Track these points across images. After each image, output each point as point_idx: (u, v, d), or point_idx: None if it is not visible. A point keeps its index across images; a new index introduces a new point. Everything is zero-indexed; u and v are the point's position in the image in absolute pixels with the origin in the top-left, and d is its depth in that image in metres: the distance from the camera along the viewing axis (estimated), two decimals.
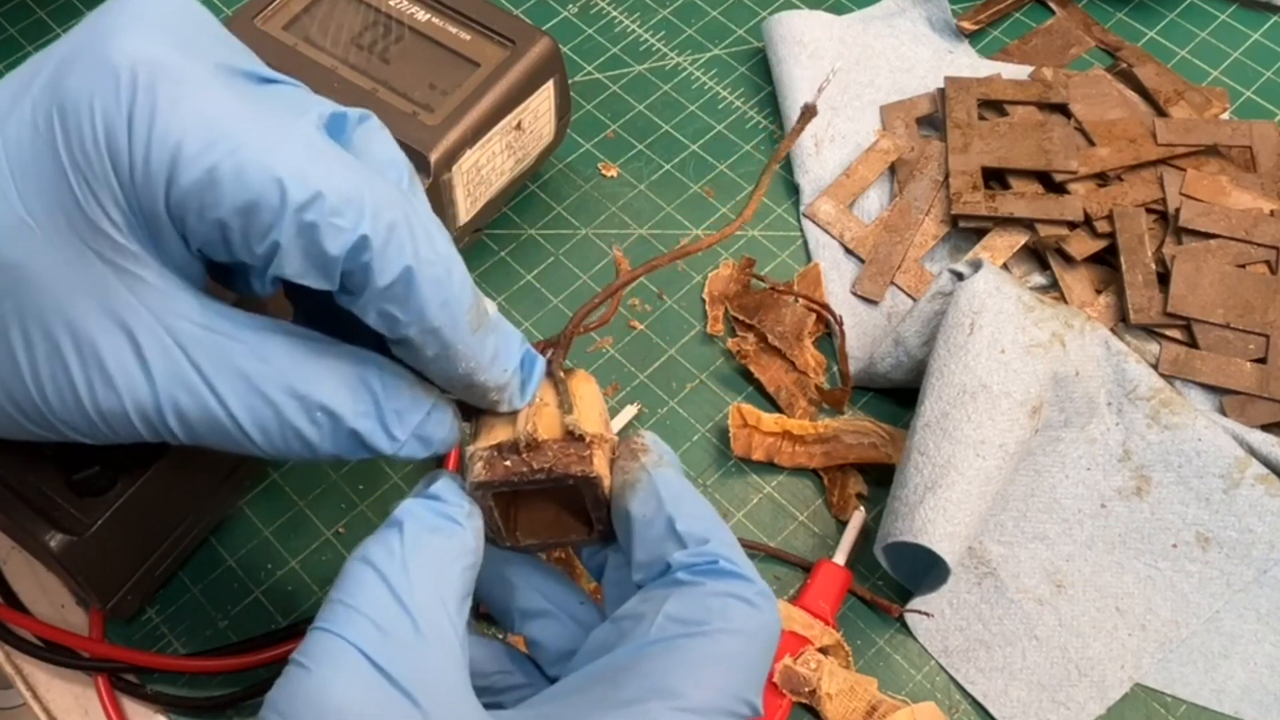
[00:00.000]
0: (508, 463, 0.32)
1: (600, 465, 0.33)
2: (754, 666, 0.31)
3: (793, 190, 0.57)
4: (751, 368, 0.51)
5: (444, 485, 0.32)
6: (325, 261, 0.29)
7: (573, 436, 0.33)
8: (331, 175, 0.28)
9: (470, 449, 0.33)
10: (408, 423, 0.32)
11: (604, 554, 0.35)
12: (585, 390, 0.35)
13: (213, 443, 0.31)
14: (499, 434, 0.33)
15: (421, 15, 0.50)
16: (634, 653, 0.30)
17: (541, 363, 0.35)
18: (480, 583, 0.33)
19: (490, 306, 0.33)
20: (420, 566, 0.30)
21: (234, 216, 0.28)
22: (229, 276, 0.34)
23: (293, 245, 0.28)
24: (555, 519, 0.35)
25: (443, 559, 0.31)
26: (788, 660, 0.43)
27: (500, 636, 0.43)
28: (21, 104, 0.29)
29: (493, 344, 0.32)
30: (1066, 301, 0.51)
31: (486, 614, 0.44)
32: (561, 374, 0.35)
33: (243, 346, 0.30)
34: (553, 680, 0.34)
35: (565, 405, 0.33)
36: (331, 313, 0.33)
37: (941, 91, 0.58)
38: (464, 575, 0.31)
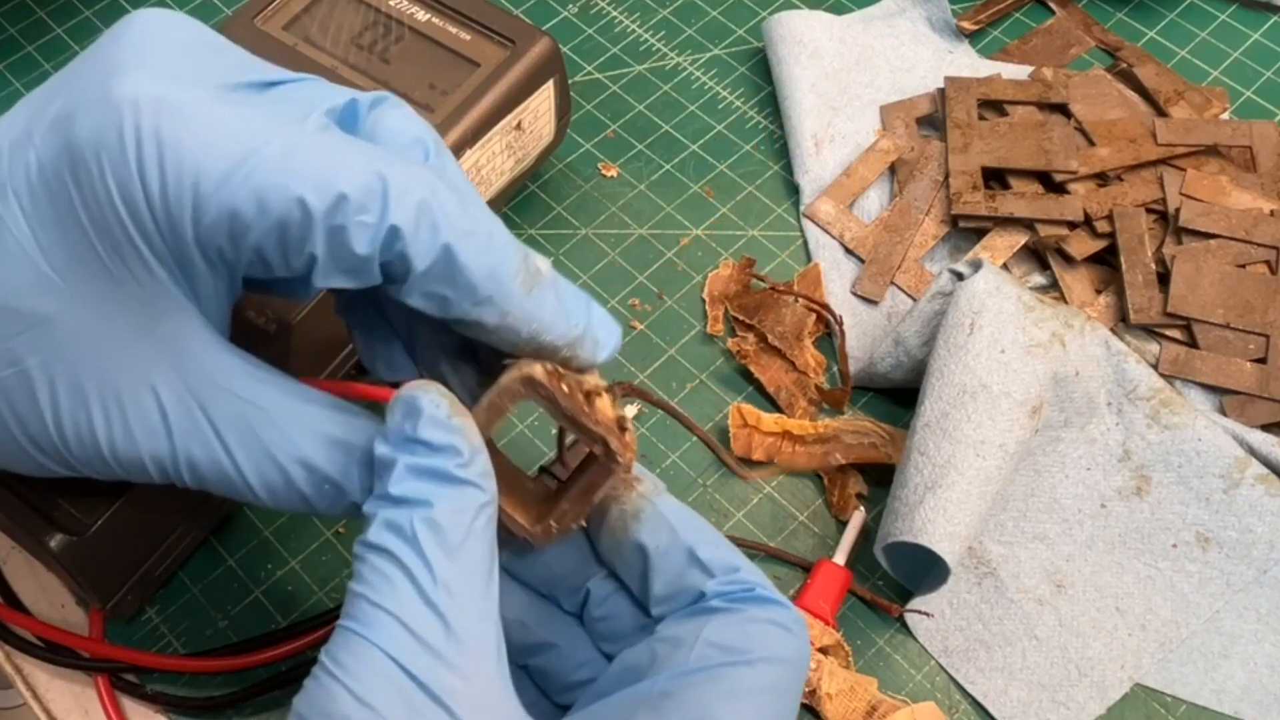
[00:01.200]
0: (566, 388, 0.31)
1: (629, 471, 0.32)
2: (793, 695, 0.30)
3: (793, 190, 0.57)
4: (751, 368, 0.51)
5: (432, 423, 0.29)
6: (360, 262, 0.28)
7: (621, 427, 0.31)
8: (349, 172, 0.28)
9: (524, 361, 0.31)
10: (390, 427, 0.30)
11: (585, 590, 0.33)
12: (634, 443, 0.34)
13: (219, 490, 0.32)
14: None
15: (421, 15, 0.50)
16: (675, 680, 0.29)
17: (607, 317, 0.33)
18: None
19: (543, 263, 0.31)
20: (439, 551, 0.28)
21: (265, 240, 0.28)
22: (267, 289, 0.34)
23: (327, 253, 0.28)
24: (513, 488, 0.33)
25: (459, 529, 0.28)
26: None
27: None
28: (26, 155, 0.29)
29: (552, 300, 0.31)
30: (1066, 301, 0.51)
31: None
32: (616, 390, 0.33)
33: (261, 413, 0.31)
34: (559, 707, 0.34)
35: (618, 402, 0.32)
36: (376, 299, 0.33)
37: (941, 91, 0.58)
38: (487, 533, 0.29)
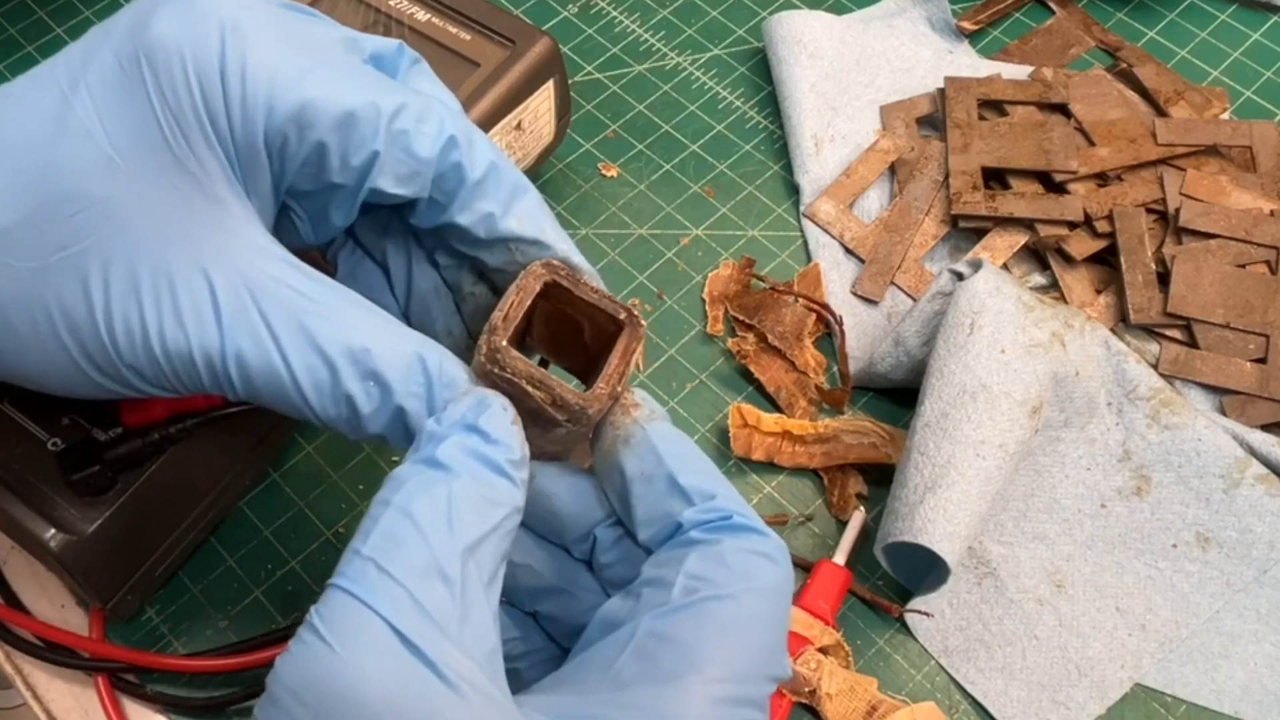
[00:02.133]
0: (580, 278, 0.33)
1: (638, 336, 0.33)
2: (780, 622, 0.30)
3: (793, 190, 0.57)
4: (751, 368, 0.51)
5: (496, 419, 0.29)
6: (419, 164, 0.31)
7: (630, 311, 0.33)
8: (406, 95, 0.31)
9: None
10: (450, 417, 0.29)
11: (592, 536, 0.33)
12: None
13: (267, 398, 0.31)
14: None
15: (421, 15, 0.50)
16: (661, 619, 0.28)
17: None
18: None
19: None
20: (468, 532, 0.27)
21: (332, 134, 0.30)
22: (289, 226, 0.34)
23: (389, 154, 0.31)
24: (566, 346, 0.34)
25: (491, 520, 0.28)
26: None
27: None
28: (102, 53, 0.30)
29: (563, 235, 0.34)
30: (1066, 301, 0.51)
31: None
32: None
33: (312, 304, 0.30)
34: (565, 649, 0.33)
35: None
36: (372, 270, 0.36)
37: (941, 91, 0.58)
38: (507, 539, 0.29)
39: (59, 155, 0.30)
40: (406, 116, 0.31)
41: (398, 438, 0.31)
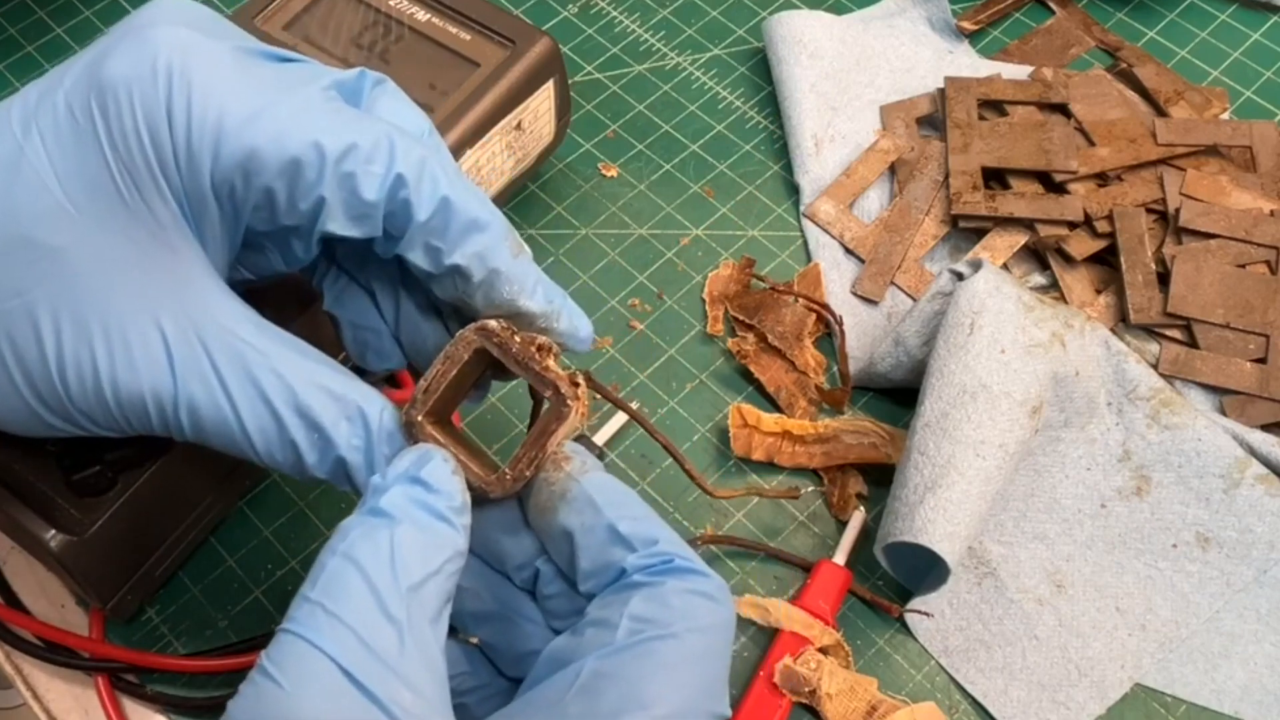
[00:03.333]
0: (519, 339, 0.32)
1: (578, 419, 0.32)
2: (721, 661, 0.30)
3: (793, 190, 0.57)
4: (751, 368, 0.51)
5: (438, 471, 0.30)
6: (367, 207, 0.31)
7: (573, 381, 0.32)
8: (358, 129, 0.31)
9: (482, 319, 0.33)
10: (395, 468, 0.31)
11: (534, 567, 0.34)
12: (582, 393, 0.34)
13: (214, 442, 0.32)
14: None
15: (421, 15, 0.50)
16: (605, 660, 0.29)
17: (580, 311, 0.35)
18: None
19: (527, 246, 0.34)
20: (410, 572, 0.28)
21: (278, 179, 0.30)
22: (260, 256, 0.35)
23: (336, 197, 0.30)
24: (471, 444, 0.34)
25: (432, 564, 0.29)
26: (787, 660, 0.43)
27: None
28: (54, 96, 0.30)
29: (534, 271, 0.33)
30: (1066, 301, 0.51)
31: None
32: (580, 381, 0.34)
33: (262, 357, 0.31)
34: (511, 680, 0.34)
35: (570, 372, 0.33)
36: (365, 285, 0.35)
37: (941, 91, 0.58)
38: (450, 580, 0.30)
39: (13, 201, 0.30)
40: (353, 158, 0.30)
41: (340, 482, 0.32)
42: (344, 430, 0.32)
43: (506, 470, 0.32)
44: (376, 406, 0.32)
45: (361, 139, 0.30)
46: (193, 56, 0.30)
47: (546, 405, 0.32)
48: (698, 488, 0.48)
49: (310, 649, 0.27)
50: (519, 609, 0.34)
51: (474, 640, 0.35)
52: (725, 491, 0.45)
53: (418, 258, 0.32)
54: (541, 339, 0.33)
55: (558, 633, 0.33)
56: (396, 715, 0.26)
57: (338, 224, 0.31)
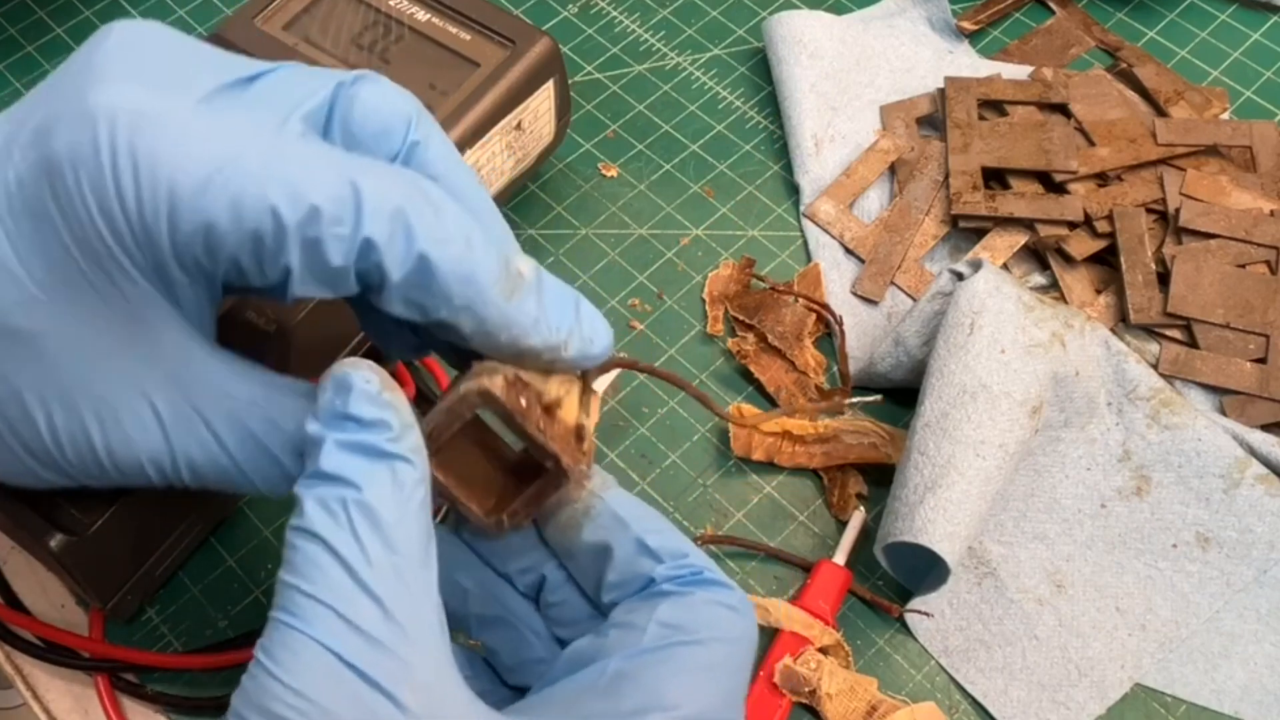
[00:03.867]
0: (523, 402, 0.31)
1: (582, 476, 0.32)
2: (743, 672, 0.31)
3: (793, 190, 0.57)
4: (751, 368, 0.51)
5: (363, 399, 0.28)
6: (335, 274, 0.28)
7: (579, 436, 0.32)
8: (322, 182, 0.28)
9: (489, 363, 0.31)
10: (321, 407, 0.29)
11: (539, 573, 0.34)
12: (594, 406, 0.34)
13: (218, 487, 0.32)
14: (525, 375, 0.32)
15: (421, 15, 0.50)
16: (630, 660, 0.30)
17: (598, 316, 0.33)
18: None
19: (528, 266, 0.31)
20: (372, 532, 0.27)
21: (240, 251, 0.28)
22: (252, 290, 0.34)
23: (301, 265, 0.28)
24: (475, 485, 0.33)
25: (393, 510, 0.28)
26: (787, 660, 0.43)
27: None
28: (5, 170, 0.28)
29: (533, 307, 0.30)
30: (1066, 301, 0.51)
31: None
32: (591, 390, 0.34)
33: (253, 408, 0.31)
34: (512, 689, 0.34)
35: (585, 407, 0.33)
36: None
37: (941, 91, 0.58)
38: (422, 513, 0.29)
39: None
40: (316, 224, 0.27)
41: None
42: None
43: (504, 518, 0.32)
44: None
45: (325, 198, 0.27)
46: (139, 123, 0.27)
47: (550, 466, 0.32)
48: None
49: (296, 634, 0.27)
50: (524, 619, 0.34)
51: (474, 643, 0.35)
52: (750, 413, 0.46)
53: (402, 312, 0.30)
54: (552, 393, 0.32)
55: (560, 641, 0.34)
56: (389, 690, 0.26)
57: (309, 288, 0.29)
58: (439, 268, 0.28)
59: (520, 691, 0.34)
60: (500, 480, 0.34)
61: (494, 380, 0.30)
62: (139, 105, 0.27)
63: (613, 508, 0.32)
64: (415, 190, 0.29)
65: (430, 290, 0.29)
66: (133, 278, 0.28)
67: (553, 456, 0.31)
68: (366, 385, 0.29)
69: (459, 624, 0.34)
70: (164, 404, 0.31)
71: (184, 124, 0.28)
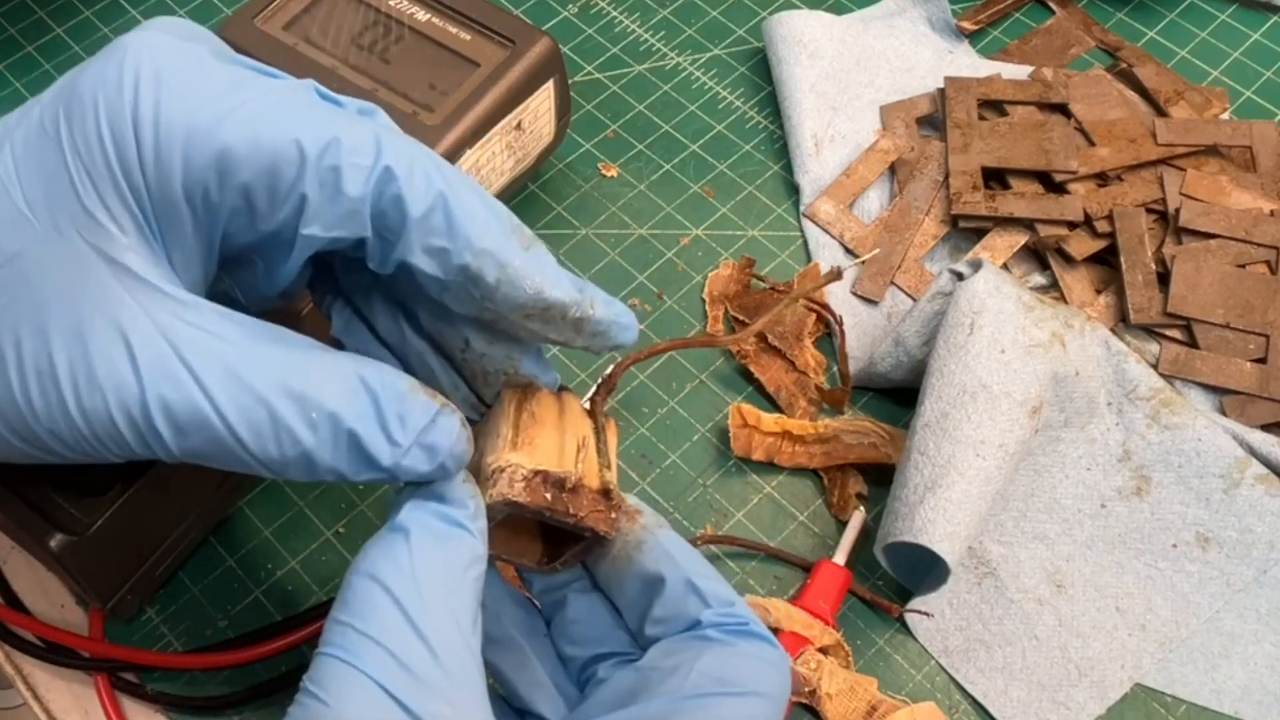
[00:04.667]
0: (548, 495, 0.32)
1: (622, 519, 0.34)
2: None
3: (793, 190, 0.57)
4: (751, 368, 0.51)
5: (451, 485, 0.31)
6: (352, 203, 0.29)
7: (606, 494, 0.33)
8: (341, 123, 0.29)
9: (502, 460, 0.32)
10: (411, 427, 0.29)
11: (564, 592, 0.35)
12: (613, 442, 0.35)
13: (204, 450, 0.29)
14: (538, 455, 0.32)
15: (421, 15, 0.50)
16: (671, 704, 0.30)
17: (618, 302, 0.33)
18: None
19: (536, 238, 0.31)
20: (432, 583, 0.29)
21: (255, 178, 0.28)
22: (246, 272, 0.33)
23: (319, 195, 0.28)
24: (524, 543, 0.35)
25: (454, 571, 0.29)
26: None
27: None
28: (31, 113, 0.30)
29: (550, 260, 0.31)
30: (1066, 301, 0.51)
31: None
32: (603, 419, 0.35)
33: (236, 346, 0.29)
34: (516, 711, 0.34)
35: (605, 460, 0.34)
36: (368, 312, 0.34)
37: (941, 91, 0.58)
38: (475, 586, 0.30)
39: None
40: (336, 151, 0.28)
41: (356, 467, 0.29)
42: (346, 399, 0.29)
43: (558, 564, 0.34)
44: (375, 370, 0.30)
45: (345, 133, 0.28)
46: (164, 58, 0.28)
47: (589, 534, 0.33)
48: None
49: (348, 669, 0.27)
50: (530, 639, 0.35)
51: None
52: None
53: (422, 262, 0.29)
54: (574, 479, 0.32)
55: (564, 660, 0.35)
56: None
57: (322, 224, 0.29)
58: (458, 206, 0.29)
59: (521, 714, 0.34)
60: (545, 534, 0.35)
61: (514, 487, 0.31)
62: (167, 45, 0.29)
63: (665, 545, 0.33)
64: (428, 153, 0.30)
65: (451, 231, 0.29)
66: (129, 204, 0.29)
67: (589, 528, 0.33)
68: (456, 475, 0.31)
69: None
70: (139, 339, 0.28)
71: (210, 65, 0.29)
